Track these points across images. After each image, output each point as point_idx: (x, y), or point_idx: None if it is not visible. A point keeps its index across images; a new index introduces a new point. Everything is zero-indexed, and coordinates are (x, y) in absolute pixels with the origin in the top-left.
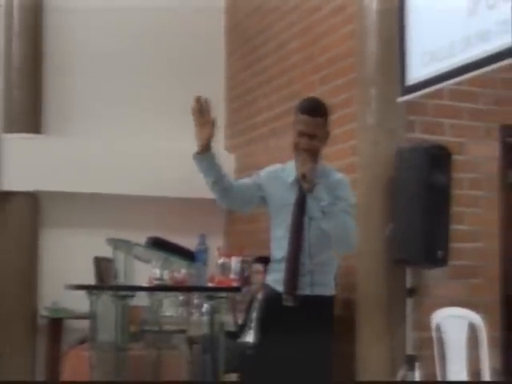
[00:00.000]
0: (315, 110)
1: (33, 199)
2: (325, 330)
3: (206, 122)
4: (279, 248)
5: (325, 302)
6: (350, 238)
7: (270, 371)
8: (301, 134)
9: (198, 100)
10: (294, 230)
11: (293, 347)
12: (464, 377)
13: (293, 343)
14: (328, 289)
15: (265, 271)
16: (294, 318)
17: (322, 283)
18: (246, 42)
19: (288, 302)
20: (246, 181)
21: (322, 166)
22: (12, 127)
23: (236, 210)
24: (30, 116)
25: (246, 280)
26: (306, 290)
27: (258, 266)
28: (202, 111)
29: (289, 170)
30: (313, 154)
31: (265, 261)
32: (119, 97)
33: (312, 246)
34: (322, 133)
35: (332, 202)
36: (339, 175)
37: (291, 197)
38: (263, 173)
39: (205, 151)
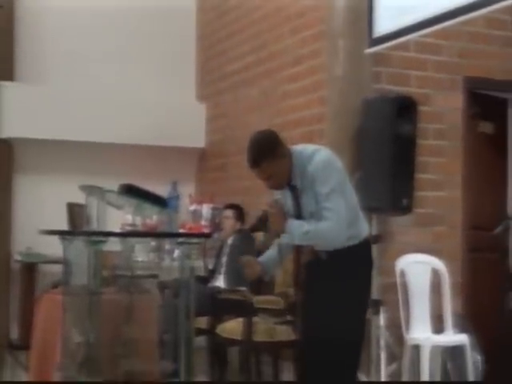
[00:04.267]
0: (251, 162)
1: (6, 146)
2: (350, 270)
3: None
4: None
5: (351, 249)
6: (329, 242)
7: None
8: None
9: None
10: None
11: (323, 289)
12: (427, 320)
13: (323, 286)
14: (353, 240)
15: (234, 217)
16: (326, 265)
17: (346, 239)
18: None
19: (322, 257)
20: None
21: (299, 160)
22: None
23: None
24: (3, 63)
25: (216, 226)
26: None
27: (228, 212)
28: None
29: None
30: (278, 187)
31: (235, 207)
32: (93, 45)
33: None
34: (272, 170)
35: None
36: (313, 162)
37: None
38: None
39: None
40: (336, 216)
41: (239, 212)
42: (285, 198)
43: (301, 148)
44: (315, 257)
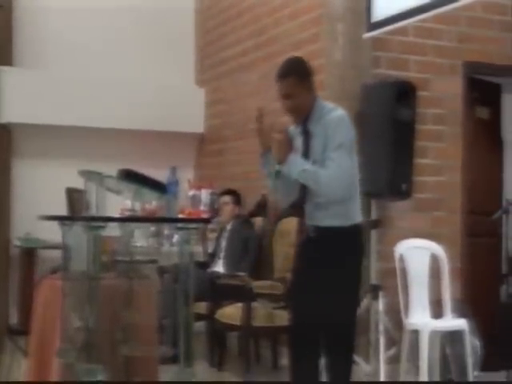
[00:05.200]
0: (280, 72)
1: (5, 131)
2: (338, 256)
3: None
4: None
5: (340, 232)
6: (323, 188)
7: (300, 295)
8: (280, 98)
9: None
10: None
11: (310, 272)
12: (426, 306)
13: (310, 268)
14: (344, 219)
15: (233, 202)
16: (314, 247)
17: (338, 215)
18: None
19: (310, 233)
20: None
21: (320, 107)
22: None
23: None
24: (2, 48)
25: (215, 211)
26: (324, 222)
27: (226, 198)
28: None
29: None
30: (293, 112)
31: (233, 193)
32: (93, 30)
33: None
34: (295, 90)
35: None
36: (333, 114)
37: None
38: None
39: (264, 153)
40: (336, 167)
41: (237, 197)
42: (296, 140)
43: (324, 102)
44: (306, 234)
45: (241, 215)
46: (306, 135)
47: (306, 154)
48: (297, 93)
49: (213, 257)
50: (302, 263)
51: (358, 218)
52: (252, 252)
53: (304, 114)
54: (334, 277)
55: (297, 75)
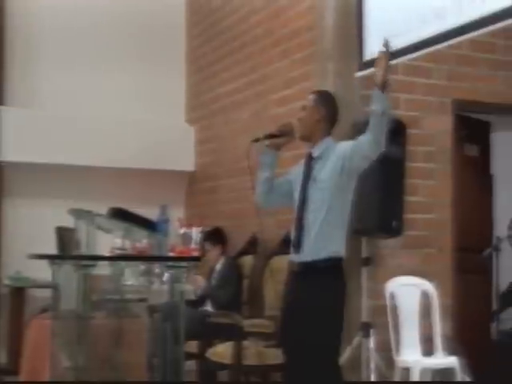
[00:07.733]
0: (313, 91)
1: None
2: (318, 293)
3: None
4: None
5: (321, 266)
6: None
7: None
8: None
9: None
10: (300, 198)
11: (293, 309)
12: (417, 343)
13: (294, 306)
14: (325, 251)
15: (213, 245)
16: (297, 283)
17: (321, 247)
18: (207, 15)
19: (294, 268)
20: (281, 179)
21: (331, 142)
22: None
23: (273, 206)
24: None
25: (204, 252)
26: (307, 257)
27: (207, 246)
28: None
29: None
30: (299, 122)
31: (213, 234)
32: (83, 70)
33: (312, 208)
34: (311, 107)
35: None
36: (343, 142)
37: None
38: (292, 169)
39: (274, 149)
40: None
41: (219, 236)
42: (297, 174)
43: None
44: (291, 269)
45: (226, 255)
46: (309, 159)
47: (308, 177)
48: (310, 109)
49: (204, 296)
50: (289, 298)
51: (341, 249)
52: (233, 287)
53: (306, 133)
54: (314, 312)
55: (321, 98)
